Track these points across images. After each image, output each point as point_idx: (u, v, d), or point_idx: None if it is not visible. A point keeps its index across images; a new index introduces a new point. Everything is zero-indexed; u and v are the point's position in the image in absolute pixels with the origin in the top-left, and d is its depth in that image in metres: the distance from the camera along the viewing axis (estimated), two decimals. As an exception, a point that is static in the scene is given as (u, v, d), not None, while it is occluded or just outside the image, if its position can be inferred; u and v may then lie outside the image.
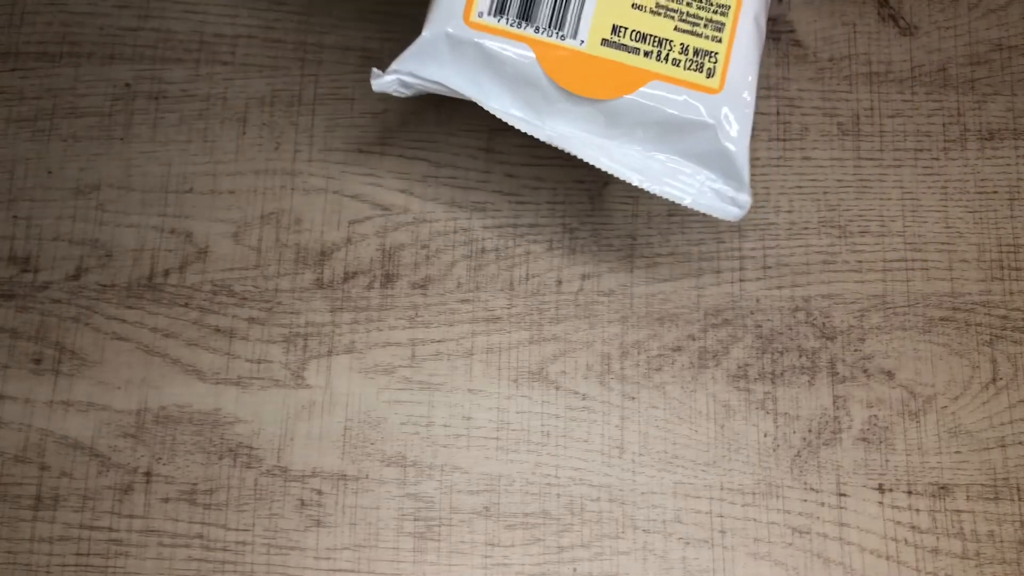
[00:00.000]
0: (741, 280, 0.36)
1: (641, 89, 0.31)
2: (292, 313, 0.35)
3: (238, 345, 0.35)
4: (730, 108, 0.31)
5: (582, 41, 0.31)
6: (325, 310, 0.35)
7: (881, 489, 0.34)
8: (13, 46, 0.38)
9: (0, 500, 0.34)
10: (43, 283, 0.36)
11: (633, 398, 0.35)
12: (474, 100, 0.31)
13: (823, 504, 0.34)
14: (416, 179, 0.37)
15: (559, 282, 0.36)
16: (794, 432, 0.34)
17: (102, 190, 0.36)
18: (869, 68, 0.37)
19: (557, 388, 0.35)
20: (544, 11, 0.31)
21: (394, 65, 0.31)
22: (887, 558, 0.34)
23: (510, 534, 0.34)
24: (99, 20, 0.38)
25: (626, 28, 0.31)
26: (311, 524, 0.34)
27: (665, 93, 0.31)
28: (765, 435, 0.34)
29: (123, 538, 0.34)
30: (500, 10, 0.31)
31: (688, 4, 0.31)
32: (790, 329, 0.35)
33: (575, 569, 0.34)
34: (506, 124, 0.37)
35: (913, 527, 0.34)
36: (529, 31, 0.31)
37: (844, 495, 0.34)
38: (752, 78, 0.31)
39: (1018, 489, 0.34)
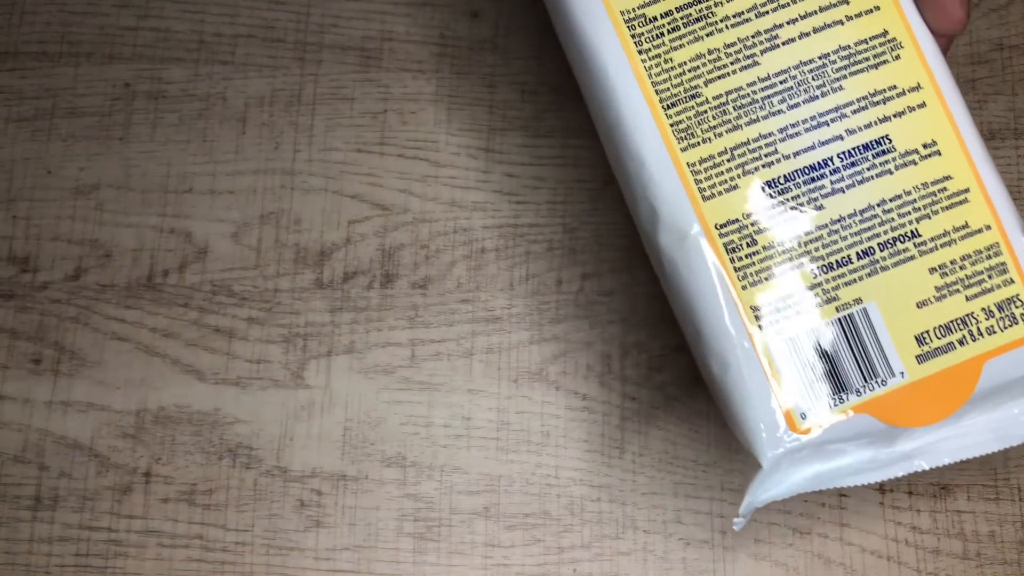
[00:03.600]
0: (741, 280, 0.36)
1: (980, 381, 0.27)
2: (292, 313, 0.35)
3: (237, 345, 0.35)
4: None
5: (902, 373, 0.27)
6: (325, 310, 0.35)
7: (882, 489, 0.34)
8: (12, 46, 0.38)
9: (-1, 500, 0.34)
10: (42, 283, 0.36)
11: (633, 398, 0.35)
12: (823, 488, 0.28)
13: (823, 504, 0.34)
14: (416, 179, 0.36)
15: (559, 282, 0.36)
16: (794, 432, 0.34)
17: (101, 190, 0.36)
18: (870, 68, 0.37)
19: (557, 388, 0.35)
20: (852, 373, 0.27)
21: (747, 502, 0.28)
22: (888, 559, 0.34)
23: (510, 535, 0.34)
24: (98, 20, 0.38)
25: (928, 331, 0.27)
26: (311, 525, 0.34)
27: (1003, 367, 0.27)
28: (765, 435, 0.34)
29: (122, 539, 0.34)
30: (815, 402, 0.27)
31: (961, 267, 0.27)
32: (790, 329, 0.35)
33: (575, 570, 0.34)
34: (506, 124, 0.37)
35: (914, 527, 0.34)
36: (852, 399, 0.27)
37: (845, 495, 0.34)
38: None
39: (1019, 489, 0.34)
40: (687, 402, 0.35)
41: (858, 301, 0.27)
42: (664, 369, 0.35)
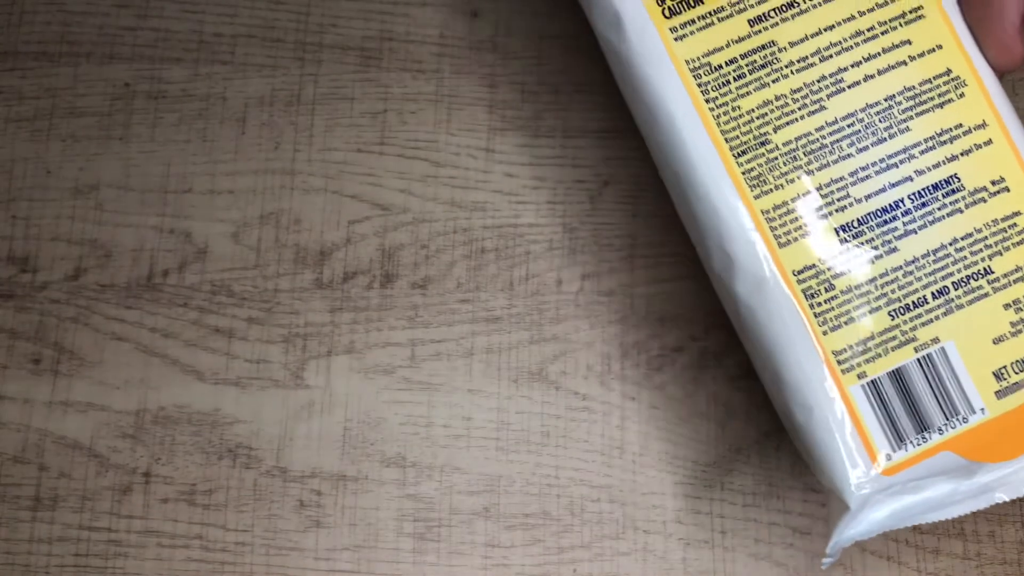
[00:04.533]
0: (741, 280, 0.36)
1: None
2: (291, 313, 0.35)
3: (237, 345, 0.35)
4: None
5: (982, 409, 0.27)
6: (324, 310, 0.35)
7: (882, 489, 0.34)
8: (12, 46, 0.38)
9: (-1, 501, 0.34)
10: (42, 283, 0.36)
11: (633, 398, 0.35)
12: (906, 525, 0.28)
13: (824, 505, 0.34)
14: (416, 179, 0.36)
15: (559, 282, 0.36)
16: (795, 432, 0.34)
17: (101, 190, 0.36)
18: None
19: (557, 388, 0.35)
20: (934, 412, 0.27)
21: (834, 543, 0.27)
22: (887, 558, 0.34)
23: (510, 535, 0.34)
24: (98, 20, 0.38)
25: (1005, 367, 0.27)
26: (310, 525, 0.34)
27: None
28: (766, 435, 0.34)
29: (122, 539, 0.34)
30: (899, 442, 0.27)
31: None
32: (790, 329, 0.35)
33: (575, 570, 0.34)
34: (506, 124, 0.37)
35: (914, 527, 0.34)
36: (935, 438, 0.27)
37: (845, 495, 0.34)
38: None
39: (1019, 489, 0.34)
40: (687, 402, 0.35)
41: (935, 340, 0.27)
42: (664, 369, 0.35)
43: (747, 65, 0.28)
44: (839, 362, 0.27)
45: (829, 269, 0.28)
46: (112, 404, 0.35)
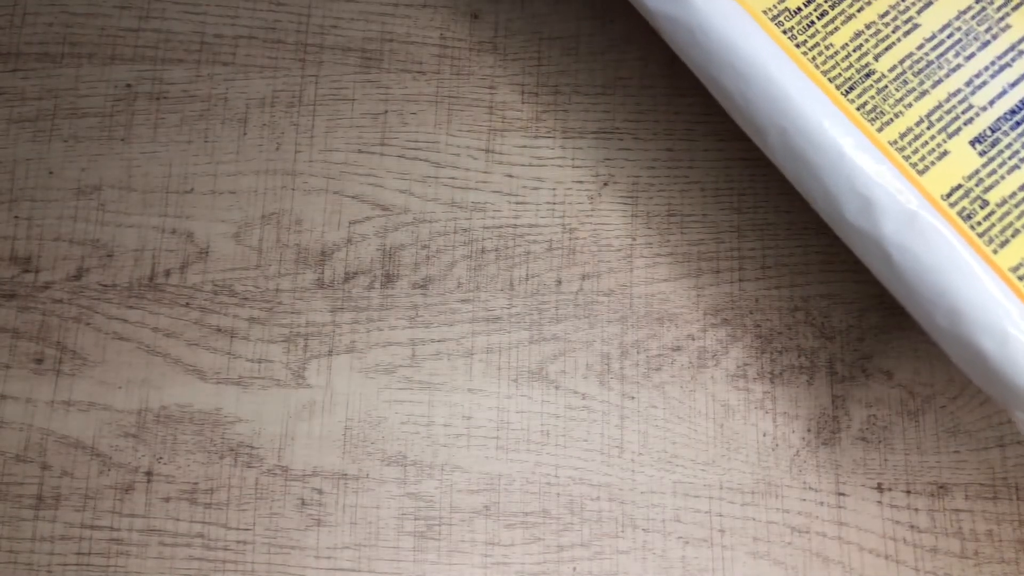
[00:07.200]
0: (740, 280, 0.36)
1: None
2: (293, 313, 0.36)
3: (239, 345, 0.35)
4: None
5: None
6: (326, 310, 0.36)
7: (880, 488, 0.34)
8: (14, 47, 0.38)
9: (1, 499, 0.34)
10: (44, 283, 0.36)
11: (633, 398, 0.35)
12: None
13: (822, 503, 0.34)
14: (416, 179, 0.37)
15: (559, 282, 0.36)
16: (793, 431, 0.35)
17: (103, 190, 0.37)
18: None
19: (557, 388, 0.35)
20: None
21: None
22: (886, 557, 0.34)
23: (510, 533, 0.34)
24: (100, 21, 0.38)
25: None
26: (312, 523, 0.34)
27: None
28: (764, 434, 0.35)
29: (124, 537, 0.34)
30: None
31: None
32: (789, 329, 0.35)
33: (575, 568, 0.34)
34: (506, 124, 0.37)
35: (912, 526, 0.34)
36: None
37: (843, 494, 0.34)
38: None
39: (1016, 488, 0.34)
40: (686, 402, 0.35)
41: None
42: (663, 368, 0.35)
43: (826, 1, 0.27)
44: (1020, 278, 0.25)
45: (978, 184, 0.26)
46: (114, 403, 0.35)
